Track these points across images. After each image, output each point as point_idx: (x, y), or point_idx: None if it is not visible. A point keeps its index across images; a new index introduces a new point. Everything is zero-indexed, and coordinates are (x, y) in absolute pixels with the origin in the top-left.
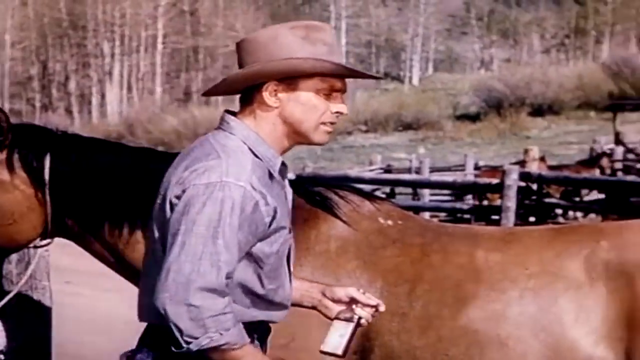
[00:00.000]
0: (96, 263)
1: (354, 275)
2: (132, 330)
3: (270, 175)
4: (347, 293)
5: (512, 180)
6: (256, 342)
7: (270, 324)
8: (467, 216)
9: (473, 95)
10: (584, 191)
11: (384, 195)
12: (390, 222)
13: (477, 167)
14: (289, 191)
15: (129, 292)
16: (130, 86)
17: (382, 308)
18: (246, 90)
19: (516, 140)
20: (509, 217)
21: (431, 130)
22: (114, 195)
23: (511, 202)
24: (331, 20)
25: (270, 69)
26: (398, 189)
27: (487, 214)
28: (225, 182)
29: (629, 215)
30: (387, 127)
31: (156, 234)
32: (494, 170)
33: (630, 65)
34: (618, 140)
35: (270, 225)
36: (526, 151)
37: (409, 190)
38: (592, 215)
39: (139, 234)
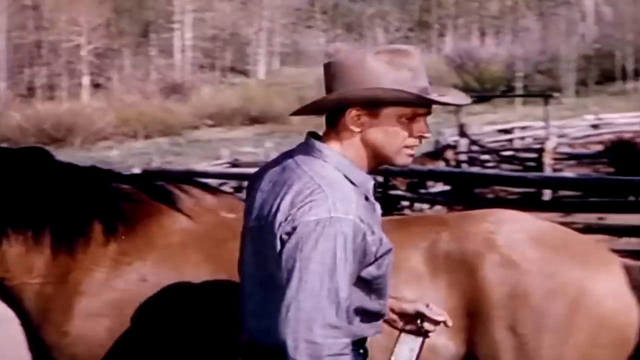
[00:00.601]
0: None
1: (198, 268)
2: None
3: (366, 199)
4: (415, 308)
5: None
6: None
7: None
8: None
9: (319, 88)
10: (430, 183)
11: (231, 190)
12: (232, 215)
13: None
14: (378, 207)
15: None
16: None
17: (449, 323)
18: (331, 113)
19: None
20: None
21: (278, 124)
22: None
23: None
24: (175, 14)
25: (352, 97)
26: (246, 183)
27: None
28: (335, 218)
29: (473, 206)
30: (234, 121)
31: (259, 261)
32: None
33: (473, 57)
34: (462, 132)
35: (376, 253)
36: None
37: None
38: (438, 207)
39: None
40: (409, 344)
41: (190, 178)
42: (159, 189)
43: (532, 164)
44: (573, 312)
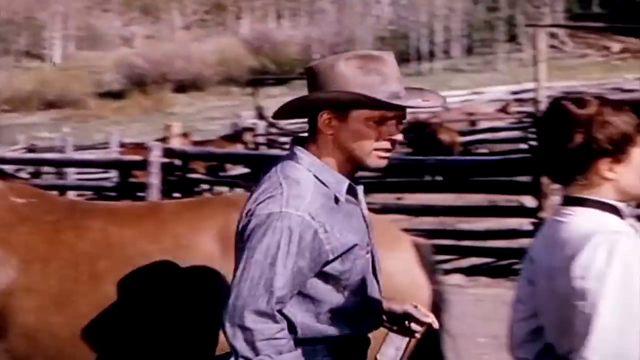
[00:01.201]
0: None
1: None
2: None
3: (337, 200)
4: (403, 309)
5: (155, 156)
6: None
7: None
8: (113, 194)
9: (116, 72)
10: (229, 166)
11: (28, 175)
12: (22, 200)
13: (122, 145)
14: (365, 207)
15: None
16: None
17: (435, 325)
18: (310, 117)
19: (161, 117)
20: (153, 194)
21: (75, 108)
22: None
23: (155, 179)
24: None
25: (315, 99)
26: (45, 169)
27: (131, 191)
28: (285, 213)
29: None
30: (30, 106)
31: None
32: (139, 147)
33: (270, 40)
34: (260, 115)
35: (333, 252)
36: (167, 127)
37: (55, 169)
38: (238, 190)
39: None
40: (395, 343)
41: None
42: None
43: None
44: None
